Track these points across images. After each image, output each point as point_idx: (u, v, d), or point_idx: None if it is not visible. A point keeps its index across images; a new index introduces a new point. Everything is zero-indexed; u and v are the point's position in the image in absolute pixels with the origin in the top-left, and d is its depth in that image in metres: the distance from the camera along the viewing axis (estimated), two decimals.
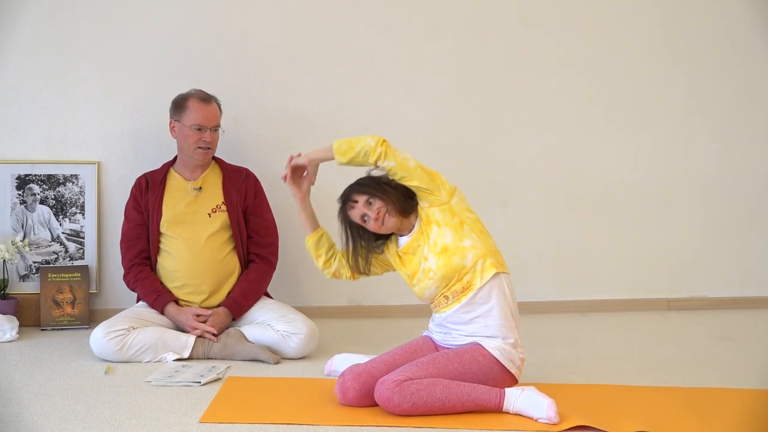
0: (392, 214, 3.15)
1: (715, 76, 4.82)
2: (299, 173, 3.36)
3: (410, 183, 3.15)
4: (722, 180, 4.85)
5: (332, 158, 3.21)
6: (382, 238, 3.30)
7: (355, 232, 3.27)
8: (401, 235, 3.25)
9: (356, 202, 3.18)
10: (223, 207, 3.96)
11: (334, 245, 3.40)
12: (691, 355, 3.85)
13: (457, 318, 3.13)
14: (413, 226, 3.21)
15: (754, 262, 4.89)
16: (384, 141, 3.14)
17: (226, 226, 3.94)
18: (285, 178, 3.35)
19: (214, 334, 3.74)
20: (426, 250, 3.15)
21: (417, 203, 3.20)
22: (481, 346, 3.08)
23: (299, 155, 3.33)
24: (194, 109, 3.92)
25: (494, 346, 3.07)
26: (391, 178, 3.18)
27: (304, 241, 3.42)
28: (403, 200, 3.17)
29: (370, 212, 3.15)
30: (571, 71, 4.72)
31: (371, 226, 3.18)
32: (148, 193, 3.97)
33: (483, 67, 4.66)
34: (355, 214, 3.20)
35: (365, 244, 3.28)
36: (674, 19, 4.77)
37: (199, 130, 3.91)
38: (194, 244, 3.89)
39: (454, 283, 3.12)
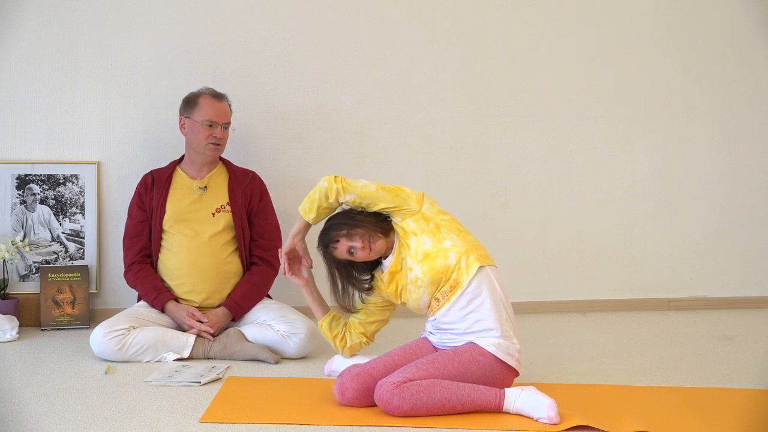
0: (376, 238, 3.17)
1: (716, 75, 4.81)
2: (295, 260, 3.42)
3: (377, 207, 3.19)
4: (722, 180, 4.85)
5: (306, 223, 3.31)
6: (369, 271, 3.31)
7: (343, 270, 3.27)
8: (385, 257, 3.25)
9: (337, 241, 3.19)
10: (228, 208, 3.96)
11: (346, 323, 3.44)
12: (691, 355, 3.85)
13: (450, 317, 3.13)
14: (393, 244, 3.23)
15: (754, 262, 4.89)
16: (337, 177, 3.21)
17: (229, 227, 3.94)
18: (285, 272, 3.41)
19: (212, 334, 3.75)
20: (409, 261, 3.16)
21: (391, 221, 3.22)
22: (478, 345, 3.08)
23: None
24: (206, 106, 3.95)
25: (490, 344, 3.07)
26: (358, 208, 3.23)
27: (318, 326, 3.47)
28: (379, 222, 3.20)
29: (355, 243, 3.16)
30: (571, 71, 4.72)
31: (360, 256, 3.19)
32: (153, 190, 3.99)
33: (483, 68, 4.66)
34: (340, 252, 3.20)
35: (356, 279, 3.30)
36: (674, 18, 4.77)
37: (210, 126, 3.93)
38: (196, 243, 3.89)
39: (443, 285, 3.13)
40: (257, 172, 4.13)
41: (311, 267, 3.45)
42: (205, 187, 4.00)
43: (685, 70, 4.80)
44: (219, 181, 4.03)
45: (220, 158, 4.10)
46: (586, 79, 4.74)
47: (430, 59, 4.63)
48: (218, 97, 3.99)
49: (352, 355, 3.44)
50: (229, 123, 3.99)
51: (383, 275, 3.25)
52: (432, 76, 4.64)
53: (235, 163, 4.14)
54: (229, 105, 4.03)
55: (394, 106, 4.62)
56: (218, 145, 3.95)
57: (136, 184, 4.07)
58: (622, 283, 4.82)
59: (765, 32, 4.79)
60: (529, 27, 4.68)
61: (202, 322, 3.78)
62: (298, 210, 3.31)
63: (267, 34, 4.51)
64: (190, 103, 3.99)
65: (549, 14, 4.70)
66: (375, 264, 3.30)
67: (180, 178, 4.03)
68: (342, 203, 3.23)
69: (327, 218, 3.28)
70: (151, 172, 4.06)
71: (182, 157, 4.09)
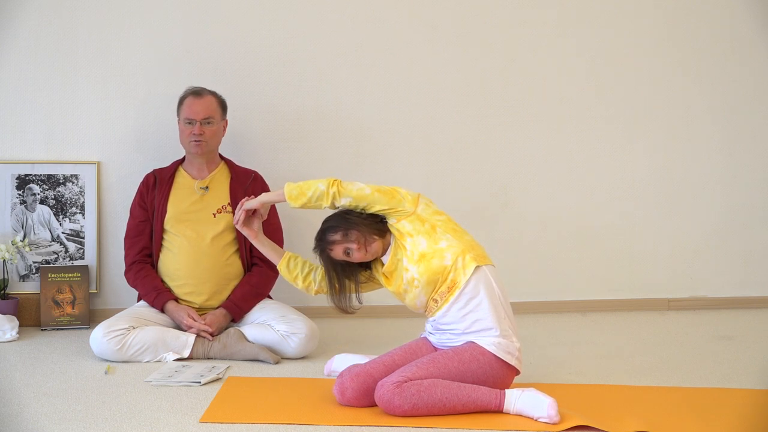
0: (371, 240, 3.17)
1: (716, 75, 4.81)
2: (250, 216, 3.40)
3: (373, 209, 3.18)
4: (722, 180, 4.85)
5: (284, 201, 3.26)
6: (367, 269, 3.31)
7: (340, 271, 3.26)
8: (382, 255, 3.25)
9: (334, 242, 3.18)
10: (229, 208, 3.95)
11: (306, 262, 3.40)
12: (691, 355, 3.85)
13: (449, 317, 3.13)
14: (389, 244, 3.22)
15: (754, 262, 4.89)
16: (335, 181, 3.18)
17: (230, 228, 3.93)
18: (237, 222, 3.38)
19: (212, 334, 3.74)
20: (405, 262, 3.15)
21: (386, 222, 3.22)
22: (478, 344, 3.07)
23: (249, 198, 3.39)
24: (186, 105, 3.96)
25: (490, 343, 3.07)
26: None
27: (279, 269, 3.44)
28: (375, 223, 3.19)
29: (351, 244, 3.16)
30: (571, 71, 4.72)
31: (356, 257, 3.18)
32: (155, 189, 3.98)
33: (483, 68, 4.66)
34: (337, 253, 3.19)
35: (353, 278, 3.29)
36: (674, 18, 4.77)
37: (189, 123, 3.93)
38: (197, 244, 3.89)
39: (440, 285, 3.13)
40: (257, 172, 4.13)
41: (264, 219, 3.44)
42: (207, 187, 3.99)
43: (685, 70, 4.80)
44: (221, 182, 4.02)
45: (223, 158, 4.10)
46: (586, 79, 4.74)
47: (430, 59, 4.63)
48: (197, 93, 3.97)
49: (317, 294, 3.41)
50: (209, 117, 3.93)
51: (383, 269, 3.25)
52: (432, 76, 4.64)
53: (235, 163, 4.14)
54: (218, 99, 4.00)
55: (394, 106, 4.62)
56: (199, 141, 3.92)
57: (138, 184, 4.07)
58: (622, 283, 4.82)
59: (765, 32, 4.79)
60: (529, 27, 4.68)
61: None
62: (284, 189, 3.24)
63: (267, 34, 4.51)
64: (178, 104, 4.01)
65: (549, 14, 4.69)
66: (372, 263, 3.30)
67: (182, 177, 4.03)
68: (338, 207, 3.22)
69: (323, 220, 3.27)
70: (154, 172, 4.06)
71: (185, 157, 4.09)
